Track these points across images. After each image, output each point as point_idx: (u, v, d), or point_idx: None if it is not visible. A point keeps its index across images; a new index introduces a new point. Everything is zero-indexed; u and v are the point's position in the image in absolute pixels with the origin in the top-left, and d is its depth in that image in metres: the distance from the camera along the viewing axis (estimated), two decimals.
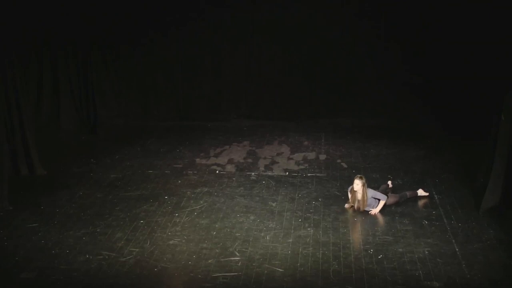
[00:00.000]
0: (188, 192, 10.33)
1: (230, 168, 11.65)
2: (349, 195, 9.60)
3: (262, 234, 8.72)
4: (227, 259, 8.01)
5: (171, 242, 8.50)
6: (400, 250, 8.22)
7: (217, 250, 8.24)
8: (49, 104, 14.45)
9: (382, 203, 9.42)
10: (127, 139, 13.58)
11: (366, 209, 9.44)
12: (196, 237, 8.64)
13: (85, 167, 11.60)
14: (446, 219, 9.21)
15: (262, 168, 11.63)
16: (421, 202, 9.89)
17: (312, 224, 9.04)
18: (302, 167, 11.72)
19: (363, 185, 9.34)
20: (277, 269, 7.75)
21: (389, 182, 10.43)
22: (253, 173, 11.34)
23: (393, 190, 10.19)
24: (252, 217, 9.31)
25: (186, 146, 13.08)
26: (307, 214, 9.42)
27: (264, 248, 8.29)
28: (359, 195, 9.39)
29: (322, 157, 12.36)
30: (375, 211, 9.39)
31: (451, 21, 13.64)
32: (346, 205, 9.68)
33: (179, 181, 10.89)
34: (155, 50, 14.85)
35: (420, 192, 10.05)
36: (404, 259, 7.97)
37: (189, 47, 14.84)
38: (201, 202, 9.94)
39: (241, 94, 15.26)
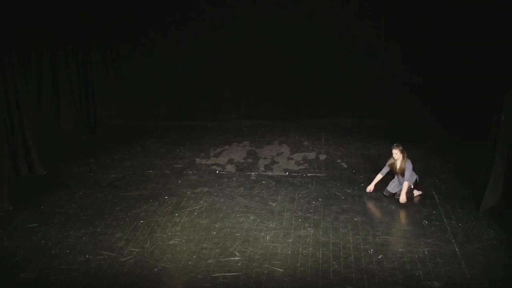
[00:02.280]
0: (188, 192, 10.33)
1: (230, 168, 11.65)
2: (387, 169, 10.08)
3: (262, 234, 8.72)
4: (227, 259, 8.01)
5: (171, 242, 8.49)
6: (400, 250, 8.22)
7: (217, 250, 8.24)
8: (49, 104, 14.45)
9: (406, 185, 9.75)
10: (127, 139, 13.57)
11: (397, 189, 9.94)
12: (196, 237, 8.64)
13: (85, 167, 11.60)
14: (446, 219, 9.20)
15: (262, 168, 11.63)
16: (416, 199, 9.96)
17: (312, 224, 9.04)
18: (302, 167, 11.71)
19: (402, 152, 9.83)
20: (277, 269, 7.75)
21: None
22: (253, 173, 11.33)
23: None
24: (252, 217, 9.30)
25: (186, 146, 13.08)
26: (307, 214, 9.42)
27: (264, 248, 8.29)
28: (398, 163, 9.88)
29: (322, 157, 12.36)
30: (402, 198, 9.72)
31: (451, 21, 13.62)
32: (368, 188, 10.17)
33: (179, 181, 10.89)
34: (155, 50, 14.84)
35: (415, 192, 10.10)
36: (404, 259, 7.97)
37: (189, 47, 14.83)
38: (201, 202, 9.93)
39: (241, 94, 15.26)
